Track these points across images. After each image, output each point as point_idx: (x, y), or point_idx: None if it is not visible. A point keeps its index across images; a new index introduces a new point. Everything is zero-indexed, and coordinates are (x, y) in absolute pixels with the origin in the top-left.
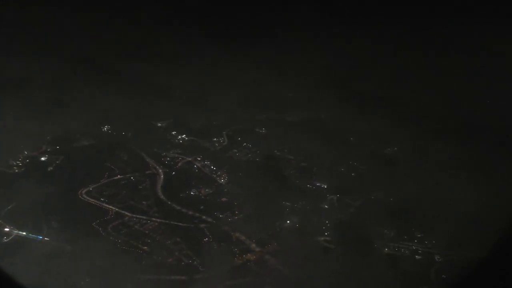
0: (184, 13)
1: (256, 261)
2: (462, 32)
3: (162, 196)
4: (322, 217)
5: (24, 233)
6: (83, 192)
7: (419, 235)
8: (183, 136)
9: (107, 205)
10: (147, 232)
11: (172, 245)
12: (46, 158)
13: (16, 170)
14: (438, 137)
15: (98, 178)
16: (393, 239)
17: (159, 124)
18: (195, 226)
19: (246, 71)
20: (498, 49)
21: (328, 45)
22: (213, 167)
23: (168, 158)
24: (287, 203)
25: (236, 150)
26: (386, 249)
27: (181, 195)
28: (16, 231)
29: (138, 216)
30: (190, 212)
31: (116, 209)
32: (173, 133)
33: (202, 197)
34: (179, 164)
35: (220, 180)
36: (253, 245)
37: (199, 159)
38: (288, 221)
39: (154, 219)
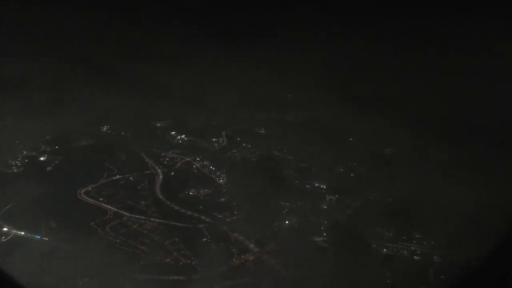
0: (184, 13)
1: (254, 261)
2: (462, 32)
3: (160, 196)
4: (321, 218)
5: (23, 232)
6: (82, 192)
7: (417, 236)
8: (183, 136)
9: (105, 205)
10: (145, 232)
11: (170, 245)
12: (45, 158)
13: (15, 170)
14: (438, 137)
15: (97, 178)
16: (392, 239)
17: (159, 124)
18: (193, 226)
19: (246, 71)
20: (498, 49)
21: (328, 45)
22: (212, 167)
23: (167, 158)
24: (286, 204)
25: (235, 151)
26: (385, 250)
27: (179, 195)
28: (14, 231)
29: (136, 216)
30: (189, 212)
31: (115, 209)
32: (172, 133)
33: (201, 197)
34: (178, 164)
35: (219, 180)
36: (252, 245)
37: (198, 159)
38: (286, 222)
39: (152, 219)
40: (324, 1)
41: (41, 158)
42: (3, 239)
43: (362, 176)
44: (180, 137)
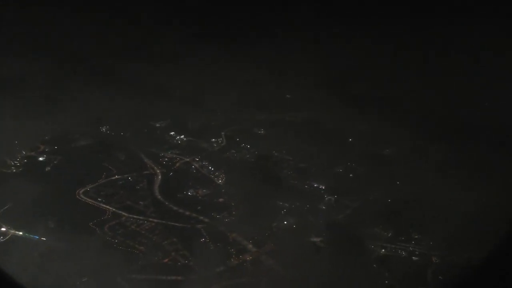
0: (184, 13)
1: (252, 261)
2: (462, 32)
3: (159, 197)
4: (320, 218)
5: (21, 233)
6: (81, 192)
7: (416, 236)
8: (182, 136)
9: (104, 205)
10: (143, 232)
11: (168, 245)
12: (44, 158)
13: (14, 170)
14: (438, 137)
15: (95, 178)
16: (391, 240)
17: (158, 125)
18: (191, 227)
19: (246, 71)
20: (498, 49)
21: (328, 45)
22: (211, 168)
23: (166, 159)
24: (285, 204)
25: (234, 151)
26: (383, 250)
27: (178, 195)
28: (12, 231)
29: (135, 216)
30: (187, 213)
31: (113, 209)
32: (171, 133)
33: (200, 197)
34: (177, 165)
35: (218, 180)
36: (250, 245)
37: (197, 159)
38: (285, 222)
39: (151, 219)
40: (324, 1)
41: (40, 158)
42: (1, 239)
43: (361, 177)
44: (179, 138)
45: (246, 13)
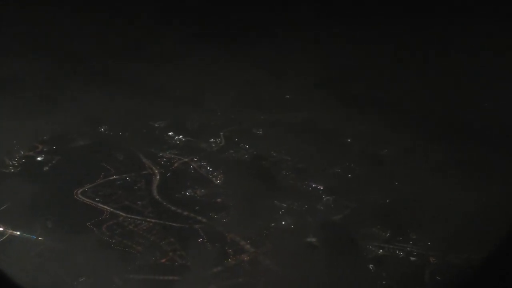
0: (184, 13)
1: (250, 261)
2: (462, 32)
3: (157, 197)
4: (318, 218)
5: (19, 232)
6: (79, 192)
7: (414, 237)
8: (180, 136)
9: (102, 205)
10: (141, 232)
11: (166, 245)
12: (42, 158)
13: (12, 170)
14: (438, 137)
15: (94, 178)
16: (389, 240)
17: (157, 125)
18: (189, 227)
19: (245, 71)
20: (498, 49)
21: (328, 45)
22: (210, 168)
23: (164, 159)
24: (283, 204)
25: (232, 151)
26: (381, 251)
27: (176, 195)
28: (10, 231)
29: (132, 216)
30: (185, 213)
31: (111, 209)
32: (170, 133)
33: (198, 197)
34: (176, 165)
35: (216, 181)
36: (248, 245)
37: (195, 159)
38: (283, 222)
39: (148, 219)
40: (324, 1)
41: (39, 158)
42: None
43: (360, 177)
44: (178, 138)
45: (246, 13)
